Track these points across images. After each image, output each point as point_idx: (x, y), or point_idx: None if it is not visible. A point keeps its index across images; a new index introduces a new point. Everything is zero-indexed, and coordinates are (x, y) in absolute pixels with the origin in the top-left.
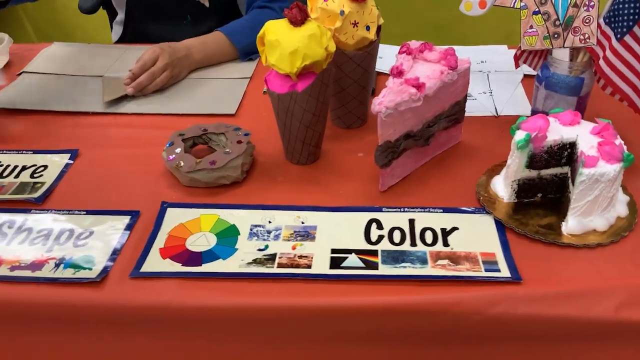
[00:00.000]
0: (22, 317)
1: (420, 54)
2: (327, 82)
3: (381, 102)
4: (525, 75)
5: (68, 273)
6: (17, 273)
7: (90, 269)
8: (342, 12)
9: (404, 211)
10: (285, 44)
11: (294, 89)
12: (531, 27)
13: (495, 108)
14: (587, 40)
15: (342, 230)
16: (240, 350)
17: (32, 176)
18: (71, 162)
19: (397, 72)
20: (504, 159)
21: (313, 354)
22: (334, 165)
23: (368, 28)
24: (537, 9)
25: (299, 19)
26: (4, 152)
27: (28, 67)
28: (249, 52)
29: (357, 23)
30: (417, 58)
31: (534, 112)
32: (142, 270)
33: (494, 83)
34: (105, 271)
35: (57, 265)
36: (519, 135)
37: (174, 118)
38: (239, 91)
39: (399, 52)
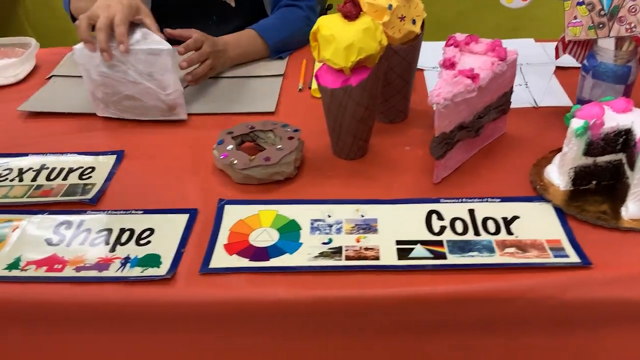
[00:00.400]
0: (90, 318)
1: (467, 46)
2: (380, 76)
3: (439, 94)
4: (557, 67)
5: (136, 271)
6: (84, 273)
7: (158, 266)
8: (390, 7)
9: (462, 202)
10: (340, 38)
11: (348, 84)
12: (575, 17)
13: (534, 99)
14: (634, 29)
15: (403, 222)
16: (315, 342)
17: (80, 177)
18: (118, 163)
19: (450, 64)
20: (550, 148)
21: (388, 344)
22: (382, 159)
23: (414, 22)
24: (581, 0)
25: (354, 13)
26: (48, 154)
27: (57, 71)
28: (279, 49)
29: (404, 17)
30: (464, 50)
31: (580, 101)
32: (210, 266)
33: (528, 75)
34: (174, 268)
35: (123, 265)
36: (577, 123)
37: (212, 117)
38: (274, 89)
39: (446, 45)
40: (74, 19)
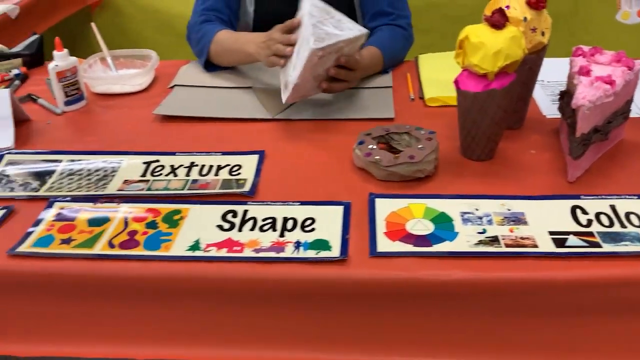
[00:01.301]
0: (269, 294)
1: (592, 57)
2: (520, 81)
3: (584, 97)
4: None
5: (311, 253)
6: (263, 254)
7: (329, 249)
8: (525, 19)
9: (603, 198)
10: (489, 45)
11: (492, 87)
12: None
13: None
14: None
15: (550, 215)
16: (479, 321)
17: (230, 173)
18: (261, 161)
19: (586, 71)
20: None
21: (547, 325)
22: (511, 161)
23: (543, 33)
24: None
25: (502, 23)
26: (194, 154)
27: (177, 81)
28: (389, 66)
29: (536, 29)
30: (590, 60)
31: None
32: (378, 250)
33: None
34: (345, 251)
35: (296, 248)
36: None
37: (334, 122)
38: (387, 98)
39: (573, 55)
40: (207, 65)
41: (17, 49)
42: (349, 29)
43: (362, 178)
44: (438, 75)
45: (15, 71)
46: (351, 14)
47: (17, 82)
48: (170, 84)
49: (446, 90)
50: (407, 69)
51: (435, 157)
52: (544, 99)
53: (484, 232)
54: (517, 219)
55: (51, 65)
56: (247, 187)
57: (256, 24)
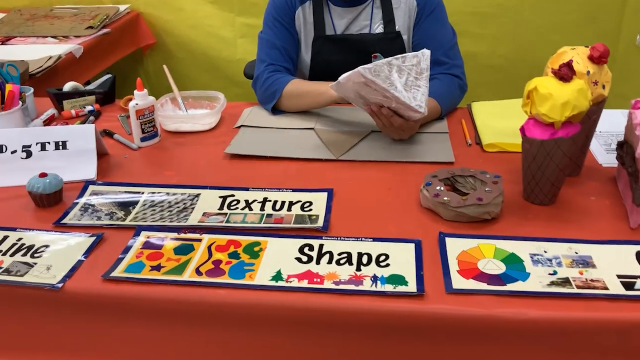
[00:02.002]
0: (349, 324)
1: None
2: (585, 129)
3: None
4: None
5: (389, 287)
6: (343, 287)
7: (406, 284)
8: (588, 72)
9: None
10: (557, 96)
11: (559, 136)
12: None
13: None
14: None
15: (616, 259)
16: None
17: (302, 209)
18: (331, 199)
19: None
20: None
21: None
22: (572, 206)
23: (604, 86)
24: None
25: (570, 76)
26: (266, 189)
27: (243, 121)
28: (445, 114)
29: (597, 82)
30: None
31: None
32: (454, 287)
33: None
34: (421, 287)
35: (374, 281)
36: None
37: (395, 164)
38: (445, 143)
39: (633, 107)
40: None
41: (91, 87)
42: (408, 93)
43: (429, 217)
44: (493, 122)
45: (89, 107)
46: None
47: (91, 117)
48: (236, 124)
49: (503, 137)
50: (460, 115)
51: (501, 200)
52: (599, 148)
53: (554, 273)
54: (586, 262)
55: (132, 104)
56: (320, 223)
57: (312, 72)
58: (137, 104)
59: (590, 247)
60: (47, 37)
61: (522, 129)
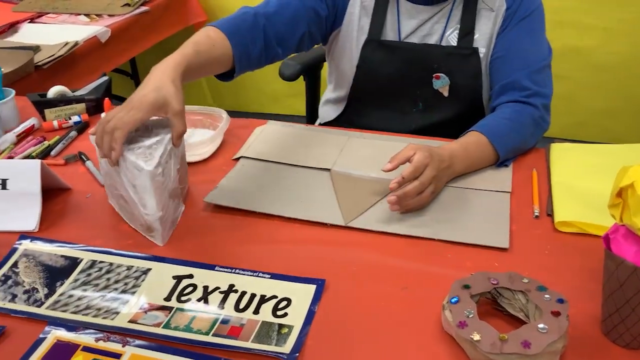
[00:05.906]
0: None
1: None
2: None
3: None
4: None
5: None
6: None
7: None
8: None
9: None
10: None
11: None
12: None
13: None
14: None
15: None
16: None
17: (274, 314)
18: (318, 297)
19: None
20: None
21: None
22: None
23: None
24: None
25: None
26: (237, 271)
27: (245, 152)
28: (508, 158)
29: None
30: None
31: None
32: None
33: None
34: None
35: None
36: None
37: (420, 242)
38: (502, 212)
39: None
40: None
41: (84, 91)
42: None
43: (452, 352)
44: (575, 181)
45: (76, 118)
46: (476, 85)
47: (73, 133)
48: (236, 154)
49: (586, 211)
50: (534, 160)
51: (563, 346)
52: None
53: None
54: None
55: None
56: (287, 346)
57: (355, 86)
58: None
59: None
60: (80, 14)
61: (607, 239)
